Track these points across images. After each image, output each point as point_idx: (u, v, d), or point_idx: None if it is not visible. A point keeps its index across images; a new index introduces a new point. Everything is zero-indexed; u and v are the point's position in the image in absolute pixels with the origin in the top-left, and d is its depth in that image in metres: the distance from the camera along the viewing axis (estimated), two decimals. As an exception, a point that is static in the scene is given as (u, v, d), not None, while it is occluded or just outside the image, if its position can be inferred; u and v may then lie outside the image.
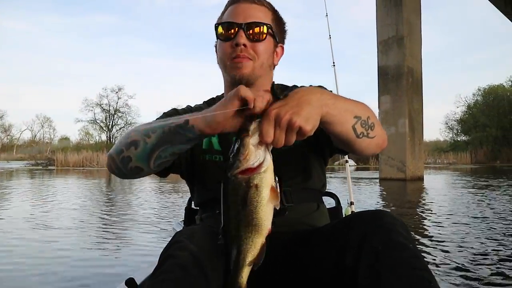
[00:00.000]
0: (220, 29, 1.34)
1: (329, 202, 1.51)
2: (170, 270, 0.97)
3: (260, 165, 0.90)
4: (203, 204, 1.41)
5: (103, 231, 4.60)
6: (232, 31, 1.31)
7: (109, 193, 9.59)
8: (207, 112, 1.03)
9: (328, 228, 1.23)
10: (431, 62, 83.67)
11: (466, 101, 42.20)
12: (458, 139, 41.96)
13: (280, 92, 1.04)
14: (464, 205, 6.67)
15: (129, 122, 37.17)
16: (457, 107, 54.37)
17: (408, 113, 12.89)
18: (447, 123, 42.92)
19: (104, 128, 37.20)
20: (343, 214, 1.65)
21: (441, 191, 9.95)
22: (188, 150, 1.28)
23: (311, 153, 1.37)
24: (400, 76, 12.92)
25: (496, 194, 8.22)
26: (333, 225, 1.22)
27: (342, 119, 1.05)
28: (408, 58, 12.93)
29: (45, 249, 3.74)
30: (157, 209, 6.39)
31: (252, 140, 0.90)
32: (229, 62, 1.31)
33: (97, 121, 36.96)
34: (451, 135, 43.03)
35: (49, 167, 26.03)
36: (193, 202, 1.49)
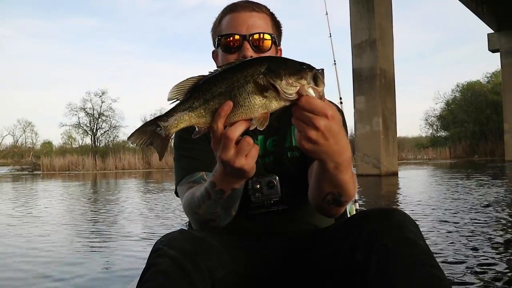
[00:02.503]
0: (223, 41, 1.32)
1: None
2: (152, 278, 0.96)
3: (285, 99, 0.89)
4: None
5: (100, 236, 4.61)
6: (237, 43, 1.30)
7: (108, 197, 9.84)
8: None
9: (339, 225, 1.22)
10: (413, 59, 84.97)
11: (445, 98, 42.97)
12: (438, 135, 42.59)
13: None
14: (431, 195, 7.35)
15: (114, 126, 37.18)
16: (436, 103, 55.34)
17: (382, 112, 13.56)
18: (426, 119, 43.62)
19: (88, 132, 37.16)
20: (348, 212, 1.65)
21: (412, 184, 10.66)
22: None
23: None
24: (373, 78, 13.59)
25: (460, 186, 8.92)
26: (343, 223, 1.21)
27: (331, 179, 1.03)
28: (381, 60, 13.61)
29: (33, 257, 3.60)
30: (159, 210, 6.54)
31: (306, 86, 0.88)
32: None
33: (82, 125, 36.89)
34: (431, 131, 43.69)
35: (35, 172, 25.94)
36: None
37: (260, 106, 0.91)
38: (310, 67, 0.90)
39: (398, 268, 0.94)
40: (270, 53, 1.34)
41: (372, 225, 1.04)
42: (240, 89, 0.91)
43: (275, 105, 0.91)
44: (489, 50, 27.03)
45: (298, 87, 0.88)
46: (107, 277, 2.96)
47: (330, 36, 3.99)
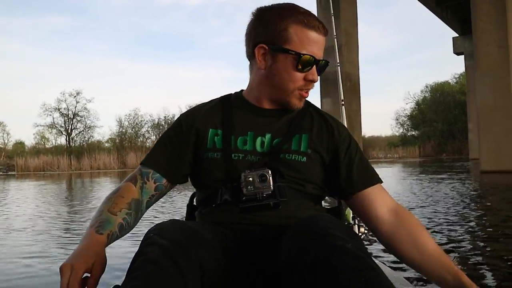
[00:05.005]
0: (303, 60, 1.26)
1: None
2: (140, 267, 0.95)
3: None
4: (203, 200, 1.37)
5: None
6: (311, 66, 1.28)
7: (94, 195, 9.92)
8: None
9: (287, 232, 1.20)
10: (386, 61, 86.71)
11: (415, 98, 44.05)
12: (409, 134, 43.44)
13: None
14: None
15: (89, 126, 37.05)
16: (407, 103, 56.68)
17: (347, 114, 14.25)
18: (397, 119, 44.64)
19: (63, 132, 36.90)
20: (345, 214, 1.65)
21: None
22: (193, 150, 1.34)
23: (318, 166, 1.33)
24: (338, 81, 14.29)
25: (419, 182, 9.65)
26: (285, 226, 1.19)
27: None
28: (346, 64, 14.35)
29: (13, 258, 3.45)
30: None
31: None
32: (297, 92, 1.29)
33: (56, 125, 36.59)
34: (401, 131, 44.55)
35: (10, 173, 25.73)
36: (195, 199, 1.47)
37: None
38: None
39: (325, 277, 0.91)
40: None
41: (296, 232, 1.04)
42: None
43: None
44: (454, 52, 28.19)
45: None
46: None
47: (335, 37, 3.79)
